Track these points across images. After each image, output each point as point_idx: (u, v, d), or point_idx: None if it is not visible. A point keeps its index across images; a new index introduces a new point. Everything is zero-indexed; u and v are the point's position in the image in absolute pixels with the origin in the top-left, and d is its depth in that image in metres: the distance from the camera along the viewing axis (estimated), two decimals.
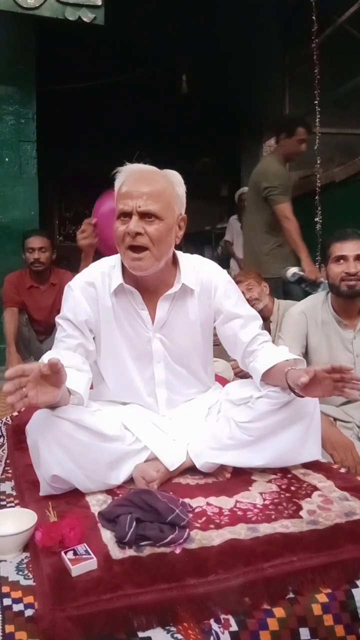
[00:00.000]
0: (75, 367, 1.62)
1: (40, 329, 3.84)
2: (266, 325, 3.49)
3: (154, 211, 1.57)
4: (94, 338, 1.76)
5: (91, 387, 1.85)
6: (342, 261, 2.23)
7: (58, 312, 1.78)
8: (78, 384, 1.57)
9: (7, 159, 4.38)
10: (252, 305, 3.33)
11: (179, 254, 1.81)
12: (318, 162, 4.47)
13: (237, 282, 3.42)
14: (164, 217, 1.59)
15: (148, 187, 1.58)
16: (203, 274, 1.80)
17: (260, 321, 1.85)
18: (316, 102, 4.42)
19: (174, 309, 1.76)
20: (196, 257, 1.85)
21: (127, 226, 1.58)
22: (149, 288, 1.73)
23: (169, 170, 1.70)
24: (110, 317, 1.73)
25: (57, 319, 1.75)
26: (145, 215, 1.57)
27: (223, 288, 1.80)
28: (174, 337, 1.78)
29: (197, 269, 1.80)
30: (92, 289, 1.73)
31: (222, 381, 2.21)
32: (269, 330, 3.41)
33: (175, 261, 1.78)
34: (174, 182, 1.67)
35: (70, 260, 2.75)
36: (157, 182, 1.61)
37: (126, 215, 1.59)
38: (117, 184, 1.66)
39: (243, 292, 3.34)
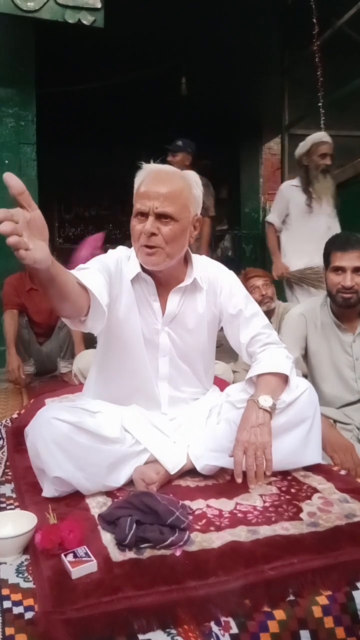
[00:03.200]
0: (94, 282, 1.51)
1: (40, 331, 3.84)
2: None
3: (169, 213, 1.60)
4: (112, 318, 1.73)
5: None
6: (340, 272, 2.21)
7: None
8: (92, 283, 1.49)
9: (6, 161, 4.38)
10: (265, 303, 3.36)
11: (191, 252, 1.84)
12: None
13: (254, 277, 3.42)
14: (179, 218, 1.62)
15: (165, 188, 1.61)
16: (210, 273, 1.83)
17: (264, 320, 1.84)
18: (320, 104, 4.43)
19: (184, 304, 1.79)
20: (204, 258, 1.89)
21: (143, 225, 1.62)
22: (161, 282, 1.76)
23: (187, 171, 1.74)
24: (129, 303, 1.74)
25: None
26: (161, 216, 1.61)
27: (228, 288, 1.83)
28: (181, 332, 1.80)
29: (205, 269, 1.83)
30: (119, 266, 1.73)
31: (222, 383, 2.21)
32: None
33: (187, 258, 1.81)
34: (191, 183, 1.70)
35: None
36: (174, 183, 1.64)
37: (143, 215, 1.62)
38: (136, 182, 1.70)
39: (259, 287, 3.35)
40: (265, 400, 1.58)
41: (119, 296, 1.72)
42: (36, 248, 1.14)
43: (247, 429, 1.54)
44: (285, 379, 1.70)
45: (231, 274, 1.88)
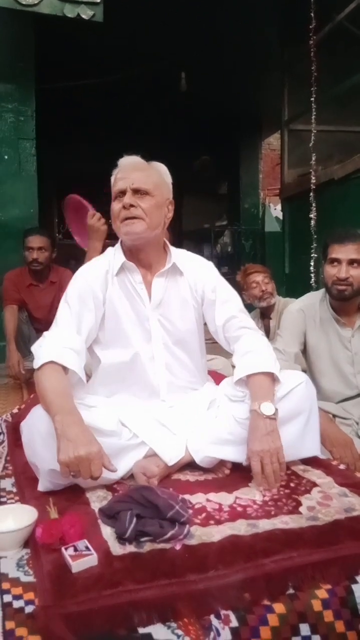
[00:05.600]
0: (75, 349, 1.71)
1: (40, 327, 3.83)
2: (266, 323, 3.49)
3: (144, 188, 1.75)
4: (101, 324, 1.84)
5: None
6: (335, 264, 2.22)
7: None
8: (77, 366, 1.69)
9: (6, 157, 4.38)
10: (265, 299, 3.36)
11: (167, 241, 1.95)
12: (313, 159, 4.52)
13: (254, 272, 3.43)
14: (154, 194, 1.77)
15: (139, 172, 1.79)
16: (188, 262, 1.93)
17: (239, 305, 1.91)
18: (314, 99, 4.44)
19: (169, 288, 1.86)
20: (182, 250, 1.98)
21: (122, 203, 1.75)
22: (144, 267, 1.85)
23: (156, 162, 1.88)
24: (115, 297, 1.83)
25: (62, 299, 1.83)
26: (137, 192, 1.75)
27: (207, 274, 1.92)
28: (170, 317, 1.86)
29: (184, 258, 1.92)
30: (102, 274, 1.84)
31: (221, 379, 2.21)
32: (269, 328, 3.42)
33: (165, 248, 1.92)
34: (161, 171, 1.85)
35: (79, 259, 2.82)
36: (147, 169, 1.82)
37: (122, 193, 1.76)
38: (113, 174, 1.84)
39: (259, 283, 3.36)
40: (268, 408, 1.60)
41: (106, 299, 1.82)
42: None
43: (258, 439, 1.57)
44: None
45: (210, 264, 1.98)
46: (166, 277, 1.86)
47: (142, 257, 1.84)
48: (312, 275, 4.44)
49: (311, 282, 4.41)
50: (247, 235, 8.57)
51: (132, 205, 1.73)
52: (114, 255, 1.87)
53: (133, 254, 1.83)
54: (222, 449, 1.70)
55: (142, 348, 1.83)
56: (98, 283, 1.82)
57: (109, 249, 1.94)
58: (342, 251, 2.20)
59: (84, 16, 3.76)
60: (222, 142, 8.59)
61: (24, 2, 3.64)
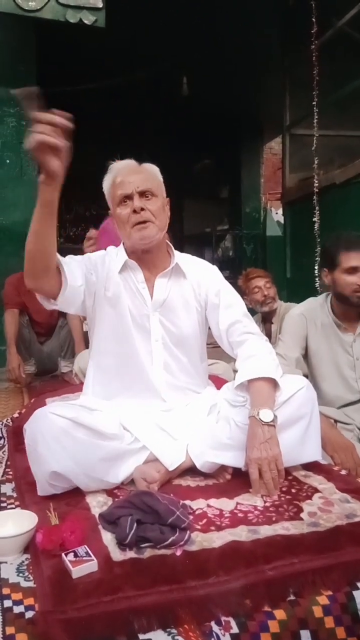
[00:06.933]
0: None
1: (40, 331, 3.84)
2: (268, 328, 3.48)
3: (150, 189, 1.78)
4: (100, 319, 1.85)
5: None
6: (352, 272, 2.19)
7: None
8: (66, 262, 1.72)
9: (8, 161, 4.39)
10: (268, 304, 3.36)
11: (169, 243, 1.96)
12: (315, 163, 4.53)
13: (256, 277, 3.42)
14: (157, 193, 1.81)
15: (140, 174, 1.82)
16: (192, 266, 1.93)
17: (243, 309, 1.91)
18: (315, 103, 4.45)
19: (172, 289, 1.87)
20: (186, 254, 1.99)
21: (129, 208, 1.77)
22: (148, 268, 1.86)
23: (147, 163, 1.91)
24: (117, 294, 1.82)
25: None
26: (143, 195, 1.77)
27: (211, 277, 1.93)
28: (172, 318, 1.86)
29: (187, 261, 1.93)
30: (106, 260, 1.87)
31: (222, 383, 2.20)
32: (270, 333, 3.41)
33: (168, 250, 1.93)
34: (155, 171, 1.89)
35: None
36: (144, 170, 1.85)
37: (128, 198, 1.78)
38: (107, 179, 1.86)
39: (261, 288, 3.35)
40: (266, 415, 1.60)
41: (107, 287, 1.82)
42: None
43: (256, 446, 1.57)
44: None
45: (214, 267, 1.99)
46: (169, 277, 1.87)
47: (146, 258, 1.85)
48: (317, 279, 4.43)
49: (316, 285, 4.40)
50: (249, 240, 8.58)
51: (142, 208, 1.75)
52: (117, 254, 1.88)
53: (138, 255, 1.84)
54: (223, 454, 1.70)
55: (140, 346, 1.83)
56: (100, 268, 1.84)
57: (110, 248, 1.94)
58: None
59: (86, 21, 3.77)
60: (223, 146, 8.60)
61: (26, 8, 3.65)
